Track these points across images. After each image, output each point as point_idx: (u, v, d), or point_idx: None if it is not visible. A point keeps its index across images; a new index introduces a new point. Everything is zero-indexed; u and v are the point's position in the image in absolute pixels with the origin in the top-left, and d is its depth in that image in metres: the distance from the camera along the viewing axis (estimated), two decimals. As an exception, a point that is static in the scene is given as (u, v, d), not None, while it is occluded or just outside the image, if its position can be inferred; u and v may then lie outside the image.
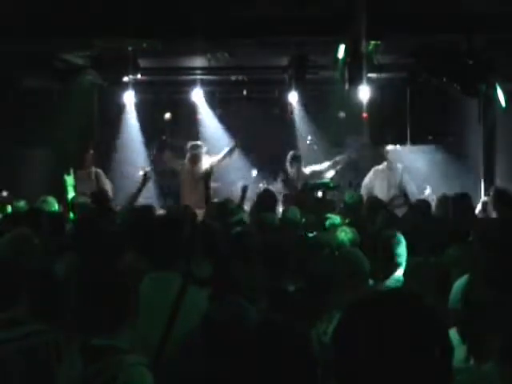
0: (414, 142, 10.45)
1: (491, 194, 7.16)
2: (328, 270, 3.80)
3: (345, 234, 5.22)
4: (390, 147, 9.91)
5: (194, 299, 3.52)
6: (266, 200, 7.29)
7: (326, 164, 9.86)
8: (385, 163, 9.74)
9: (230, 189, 10.80)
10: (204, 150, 9.93)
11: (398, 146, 10.09)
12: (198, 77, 10.20)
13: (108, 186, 9.48)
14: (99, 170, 9.69)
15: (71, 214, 7.22)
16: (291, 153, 9.77)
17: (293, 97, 10.06)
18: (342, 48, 8.07)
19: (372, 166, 10.21)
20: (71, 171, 8.43)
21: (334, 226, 5.86)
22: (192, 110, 10.94)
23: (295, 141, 11.08)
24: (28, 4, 7.29)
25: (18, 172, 9.75)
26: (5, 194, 7.66)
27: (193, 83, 10.37)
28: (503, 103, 8.56)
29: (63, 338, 3.04)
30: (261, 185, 10.57)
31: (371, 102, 9.54)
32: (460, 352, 2.29)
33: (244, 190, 8.12)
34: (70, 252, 4.67)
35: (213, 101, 11.12)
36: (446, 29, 7.57)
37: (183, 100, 10.94)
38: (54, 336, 3.02)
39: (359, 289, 3.73)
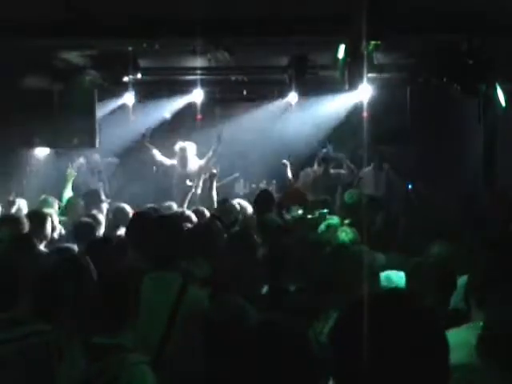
0: (413, 142, 10.46)
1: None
2: (328, 270, 3.80)
3: (345, 235, 5.23)
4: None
5: (194, 299, 3.52)
6: (264, 200, 7.29)
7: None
8: (372, 164, 9.88)
9: (230, 188, 10.83)
10: (193, 150, 9.96)
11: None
12: (198, 77, 10.20)
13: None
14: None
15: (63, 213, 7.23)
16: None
17: (293, 97, 10.06)
18: (342, 48, 8.07)
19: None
20: (72, 172, 8.44)
21: (332, 227, 5.86)
22: (192, 110, 10.94)
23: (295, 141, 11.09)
24: (28, 4, 7.28)
25: (17, 172, 9.75)
26: (11, 198, 7.69)
27: (193, 83, 10.37)
28: (503, 103, 8.56)
29: (64, 338, 3.04)
30: (261, 185, 10.60)
31: (371, 102, 9.55)
32: (461, 351, 2.29)
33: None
34: (69, 252, 4.67)
35: (213, 101, 11.12)
36: (446, 29, 7.57)
37: (183, 100, 10.95)
38: (55, 336, 3.02)
39: (367, 286, 3.73)
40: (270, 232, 5.53)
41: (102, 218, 6.48)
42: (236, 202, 7.52)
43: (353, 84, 8.32)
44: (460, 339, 2.42)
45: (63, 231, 6.33)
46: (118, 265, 4.00)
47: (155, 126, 11.09)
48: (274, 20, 7.54)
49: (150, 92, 10.86)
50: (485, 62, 8.00)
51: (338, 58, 8.21)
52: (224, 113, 11.52)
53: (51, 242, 5.78)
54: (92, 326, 2.70)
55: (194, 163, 9.93)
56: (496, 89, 8.43)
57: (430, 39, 7.98)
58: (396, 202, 9.18)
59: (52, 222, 5.90)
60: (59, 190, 8.33)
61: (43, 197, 7.66)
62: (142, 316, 2.81)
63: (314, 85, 9.86)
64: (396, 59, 9.08)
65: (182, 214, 6.47)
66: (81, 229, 5.76)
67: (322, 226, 5.98)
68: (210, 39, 7.89)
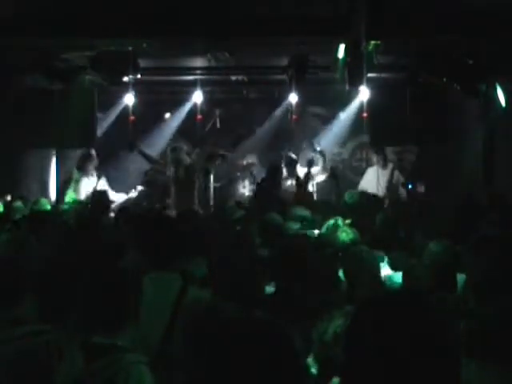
0: (413, 142, 10.46)
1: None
2: (330, 270, 3.81)
3: (346, 235, 5.22)
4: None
5: (195, 300, 3.52)
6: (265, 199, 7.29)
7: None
8: (376, 163, 9.90)
9: (230, 188, 10.84)
10: (185, 150, 9.97)
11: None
12: (198, 77, 10.19)
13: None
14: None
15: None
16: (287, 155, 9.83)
17: (293, 97, 10.06)
18: (341, 48, 8.07)
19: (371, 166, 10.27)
20: (72, 172, 8.45)
21: (334, 226, 5.85)
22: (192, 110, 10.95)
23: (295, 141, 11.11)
24: (28, 4, 7.29)
25: (18, 172, 9.75)
26: (9, 198, 7.69)
27: (193, 83, 10.37)
28: (503, 103, 8.56)
29: (64, 338, 3.04)
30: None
31: (371, 102, 9.55)
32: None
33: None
34: (70, 252, 4.67)
35: (213, 101, 11.12)
36: (446, 29, 7.57)
37: (183, 100, 10.95)
38: (55, 335, 3.02)
39: (371, 286, 3.74)
40: (271, 232, 5.53)
41: None
42: (237, 201, 7.54)
43: (353, 84, 8.31)
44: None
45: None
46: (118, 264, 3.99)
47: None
48: (274, 20, 7.54)
49: (150, 92, 10.87)
50: (485, 62, 8.00)
51: (337, 58, 8.22)
52: (224, 113, 11.53)
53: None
54: (92, 325, 2.69)
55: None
56: (496, 89, 8.43)
57: (429, 39, 7.98)
58: (398, 202, 9.17)
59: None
60: (59, 190, 8.34)
61: (38, 198, 7.66)
62: (142, 316, 2.81)
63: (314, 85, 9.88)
64: (396, 59, 9.08)
65: (183, 213, 6.47)
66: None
67: (324, 227, 5.98)
68: (210, 39, 7.89)
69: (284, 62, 9.23)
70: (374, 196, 8.16)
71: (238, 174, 11.20)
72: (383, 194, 9.45)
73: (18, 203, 7.57)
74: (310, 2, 7.33)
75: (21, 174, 9.81)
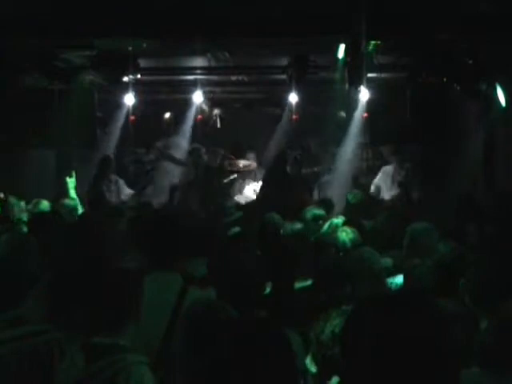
0: (413, 142, 10.45)
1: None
2: (329, 270, 3.81)
3: (346, 235, 5.22)
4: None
5: (195, 299, 3.52)
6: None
7: None
8: (393, 162, 9.91)
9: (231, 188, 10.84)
10: (203, 151, 10.02)
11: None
12: (198, 77, 10.19)
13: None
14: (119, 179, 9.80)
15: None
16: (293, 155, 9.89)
17: (293, 97, 10.05)
18: (341, 48, 8.07)
19: (372, 166, 10.27)
20: (73, 173, 8.44)
21: (334, 226, 5.86)
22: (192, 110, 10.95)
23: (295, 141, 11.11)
24: (28, 4, 7.28)
25: (18, 172, 9.74)
26: (2, 195, 7.66)
27: (193, 83, 10.37)
28: (503, 103, 8.55)
29: (65, 338, 3.04)
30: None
31: (371, 102, 9.54)
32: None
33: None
34: (69, 252, 4.67)
35: (213, 101, 11.12)
36: (446, 29, 7.57)
37: (183, 100, 10.95)
38: (56, 335, 3.02)
39: (372, 287, 3.74)
40: (271, 232, 5.54)
41: None
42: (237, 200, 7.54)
43: (353, 84, 8.31)
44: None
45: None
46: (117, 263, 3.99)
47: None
48: (274, 20, 7.54)
49: (150, 92, 10.87)
50: (485, 61, 8.00)
51: (337, 58, 8.22)
52: (224, 113, 11.53)
53: None
54: (93, 326, 2.69)
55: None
56: (496, 89, 8.43)
57: (429, 39, 7.98)
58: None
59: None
60: (58, 190, 8.33)
61: (35, 200, 7.65)
62: (143, 316, 2.81)
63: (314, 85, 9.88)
64: (396, 59, 9.07)
65: (183, 213, 6.48)
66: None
67: (326, 226, 5.98)
68: (210, 39, 7.89)
69: (284, 62, 9.23)
70: (373, 196, 8.18)
71: (238, 174, 11.19)
72: (395, 193, 9.42)
73: (11, 198, 7.53)
74: (310, 2, 7.33)
75: (21, 174, 9.81)
